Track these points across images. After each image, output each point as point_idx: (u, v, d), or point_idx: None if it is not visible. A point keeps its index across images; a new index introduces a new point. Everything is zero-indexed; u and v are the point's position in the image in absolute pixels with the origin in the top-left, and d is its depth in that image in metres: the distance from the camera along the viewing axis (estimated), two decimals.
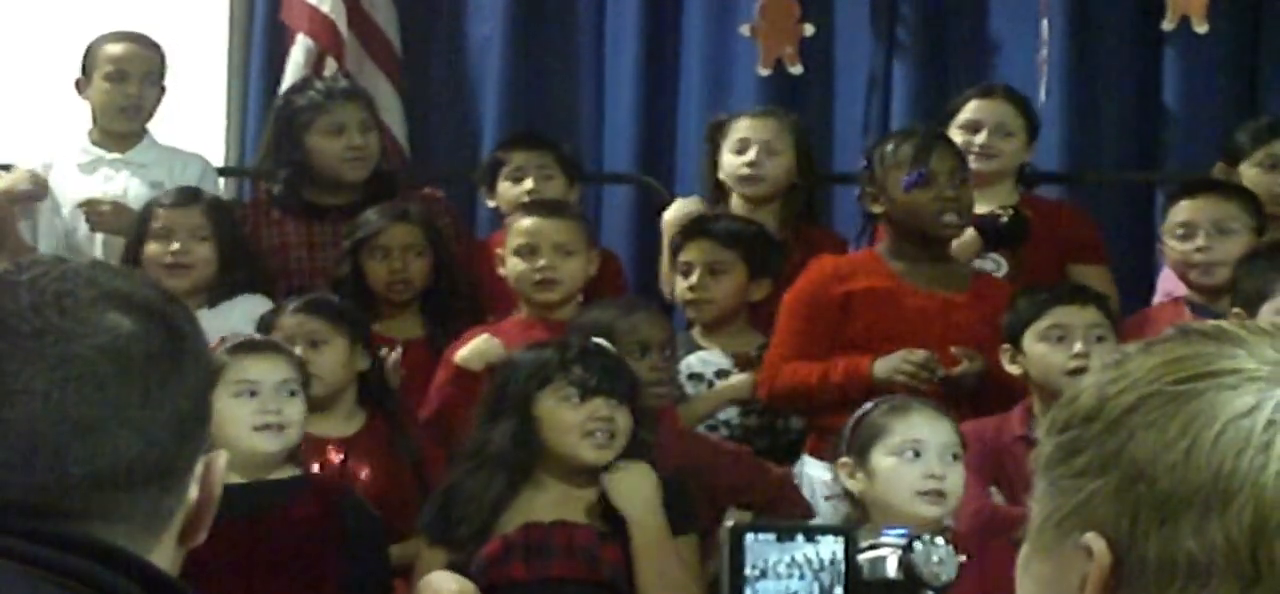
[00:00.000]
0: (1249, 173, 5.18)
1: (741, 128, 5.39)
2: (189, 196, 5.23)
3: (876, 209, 4.92)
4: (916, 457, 4.05)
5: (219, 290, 5.07)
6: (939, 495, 4.02)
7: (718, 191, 5.43)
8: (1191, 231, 4.83)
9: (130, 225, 5.25)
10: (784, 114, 5.52)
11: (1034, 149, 5.47)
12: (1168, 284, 5.13)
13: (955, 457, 4.08)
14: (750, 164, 5.33)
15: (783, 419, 4.92)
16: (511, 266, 4.97)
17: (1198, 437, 1.19)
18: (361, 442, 4.62)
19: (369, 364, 4.69)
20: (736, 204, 5.36)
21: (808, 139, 5.51)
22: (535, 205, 5.15)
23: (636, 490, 4.14)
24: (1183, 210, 4.88)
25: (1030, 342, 4.56)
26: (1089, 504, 1.22)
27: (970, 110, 5.35)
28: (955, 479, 4.07)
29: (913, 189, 4.84)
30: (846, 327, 4.78)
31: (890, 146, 4.94)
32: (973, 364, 4.69)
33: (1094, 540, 1.22)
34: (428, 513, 4.24)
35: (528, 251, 4.95)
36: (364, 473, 4.53)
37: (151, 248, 5.07)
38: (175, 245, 5.05)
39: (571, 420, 4.15)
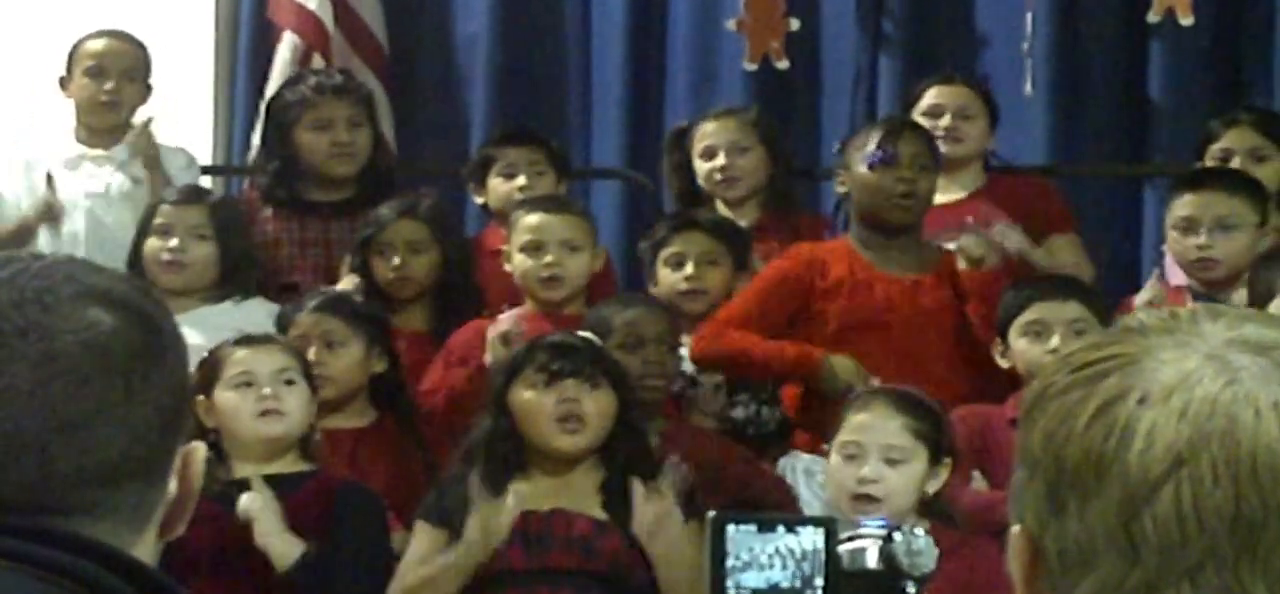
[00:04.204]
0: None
1: (705, 133, 5.42)
2: (192, 195, 5.24)
3: (841, 189, 4.99)
4: (852, 458, 4.00)
5: (222, 291, 5.06)
6: (870, 500, 3.93)
7: (687, 199, 5.45)
8: (1193, 227, 4.83)
9: (156, 161, 5.32)
10: (745, 111, 5.55)
11: (995, 136, 5.50)
12: (1174, 275, 5.14)
13: (896, 460, 3.98)
14: (721, 168, 5.36)
15: (767, 409, 4.95)
16: (517, 262, 4.97)
17: (1074, 422, 1.21)
18: (371, 438, 4.63)
19: (386, 366, 4.68)
20: (720, 206, 5.39)
21: (774, 130, 5.52)
22: (541, 201, 5.15)
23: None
24: (1185, 205, 4.87)
25: (1014, 336, 4.58)
26: (1017, 496, 1.26)
27: (931, 96, 5.42)
28: (896, 482, 3.97)
29: (875, 167, 4.87)
30: (818, 316, 4.82)
31: (860, 132, 5.04)
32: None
33: (1016, 533, 1.25)
34: (427, 501, 4.26)
35: (534, 248, 4.95)
36: (374, 469, 4.53)
37: (150, 243, 5.07)
38: (173, 242, 5.04)
39: (540, 406, 4.17)
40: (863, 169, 4.89)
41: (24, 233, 5.39)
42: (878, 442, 4.00)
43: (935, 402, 4.19)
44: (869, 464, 3.99)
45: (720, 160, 5.36)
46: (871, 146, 4.89)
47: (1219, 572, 1.16)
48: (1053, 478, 1.21)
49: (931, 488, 4.03)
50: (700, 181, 5.43)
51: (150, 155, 5.42)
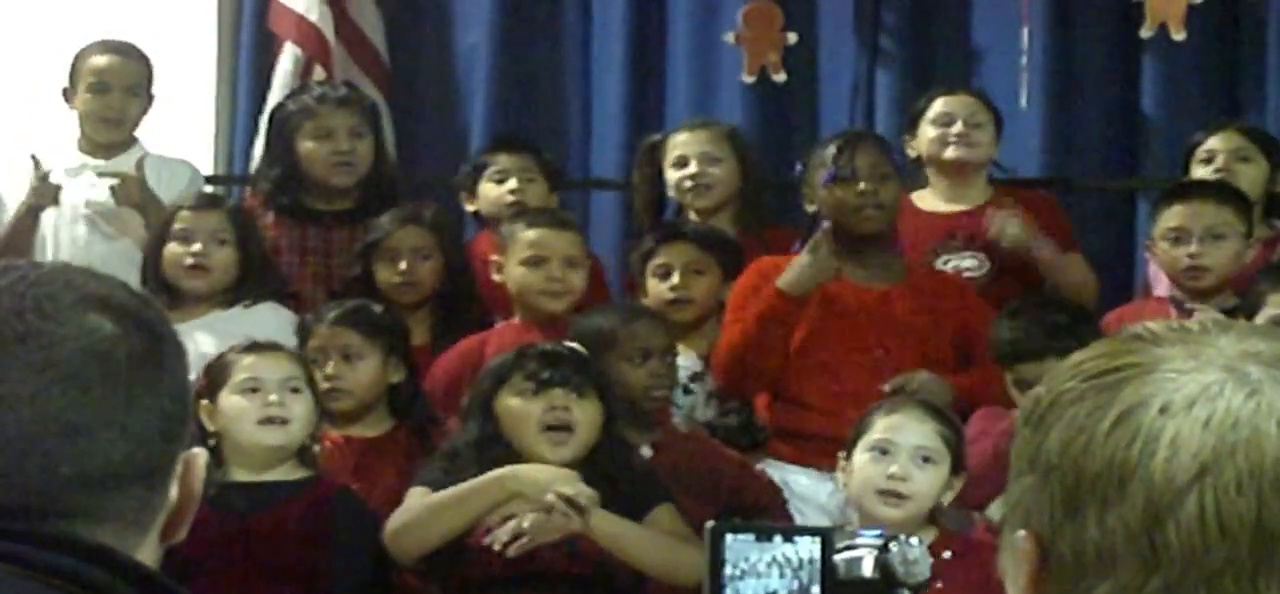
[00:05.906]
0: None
1: (678, 144, 5.47)
2: (211, 200, 5.27)
3: (810, 207, 5.00)
4: (884, 455, 4.06)
5: (237, 294, 5.07)
6: (898, 497, 4.01)
7: (652, 210, 5.50)
8: (1183, 236, 4.88)
9: (150, 202, 5.30)
10: (718, 124, 5.60)
11: (999, 146, 5.53)
12: (1159, 285, 5.17)
13: (928, 460, 4.05)
14: (692, 176, 5.39)
15: (736, 415, 4.97)
16: (516, 275, 5.00)
17: (1094, 429, 1.22)
18: (383, 446, 4.64)
19: (403, 376, 4.69)
20: (693, 218, 5.42)
21: (747, 144, 5.56)
22: (541, 217, 5.18)
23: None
24: (1175, 215, 4.92)
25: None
26: (1022, 500, 1.27)
27: (940, 105, 5.43)
28: (924, 483, 4.04)
29: (830, 185, 4.90)
30: (786, 328, 4.82)
31: (818, 148, 5.05)
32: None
33: (1022, 537, 1.26)
34: (426, 470, 4.29)
35: (536, 262, 4.98)
36: (380, 477, 4.54)
37: (171, 249, 5.07)
38: (196, 246, 5.05)
39: (528, 413, 4.19)
40: (821, 187, 4.93)
41: (23, 226, 5.39)
42: (911, 442, 4.06)
43: (956, 417, 4.25)
44: (899, 462, 4.04)
45: (692, 168, 5.40)
46: (829, 165, 4.92)
47: (1237, 580, 1.18)
48: (1071, 484, 1.22)
49: (945, 499, 4.09)
50: (670, 191, 5.48)
51: (138, 203, 5.41)
